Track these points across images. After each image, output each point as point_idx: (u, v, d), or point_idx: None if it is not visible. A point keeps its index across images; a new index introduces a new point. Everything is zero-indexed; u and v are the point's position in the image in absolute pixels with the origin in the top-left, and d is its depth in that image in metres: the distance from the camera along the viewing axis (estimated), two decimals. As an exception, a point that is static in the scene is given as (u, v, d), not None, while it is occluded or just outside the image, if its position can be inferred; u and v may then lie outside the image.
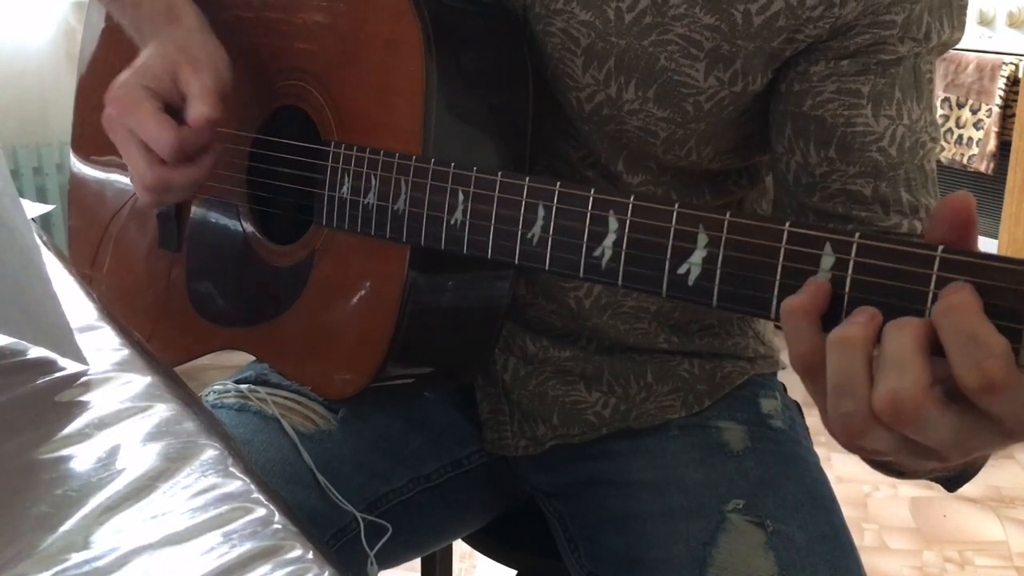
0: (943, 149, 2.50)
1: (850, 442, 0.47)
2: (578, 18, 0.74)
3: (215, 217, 0.90)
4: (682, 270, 0.53)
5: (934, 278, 0.45)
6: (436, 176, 0.67)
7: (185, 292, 0.93)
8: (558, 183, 0.60)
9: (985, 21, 2.41)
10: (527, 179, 0.61)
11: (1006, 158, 2.37)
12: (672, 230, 0.54)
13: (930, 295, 0.45)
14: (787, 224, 0.49)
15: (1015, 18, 2.37)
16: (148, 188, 0.77)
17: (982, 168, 2.41)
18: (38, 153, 2.49)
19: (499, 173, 0.63)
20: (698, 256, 0.53)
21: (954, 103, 2.47)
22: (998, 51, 2.40)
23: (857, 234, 0.47)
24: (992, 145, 2.39)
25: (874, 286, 0.46)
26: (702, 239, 0.52)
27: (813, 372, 0.48)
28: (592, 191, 0.58)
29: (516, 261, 0.62)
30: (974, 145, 2.44)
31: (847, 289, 0.47)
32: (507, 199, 0.63)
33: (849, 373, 0.45)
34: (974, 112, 2.43)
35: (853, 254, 0.47)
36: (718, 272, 0.52)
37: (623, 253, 0.56)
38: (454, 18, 0.75)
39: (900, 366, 0.44)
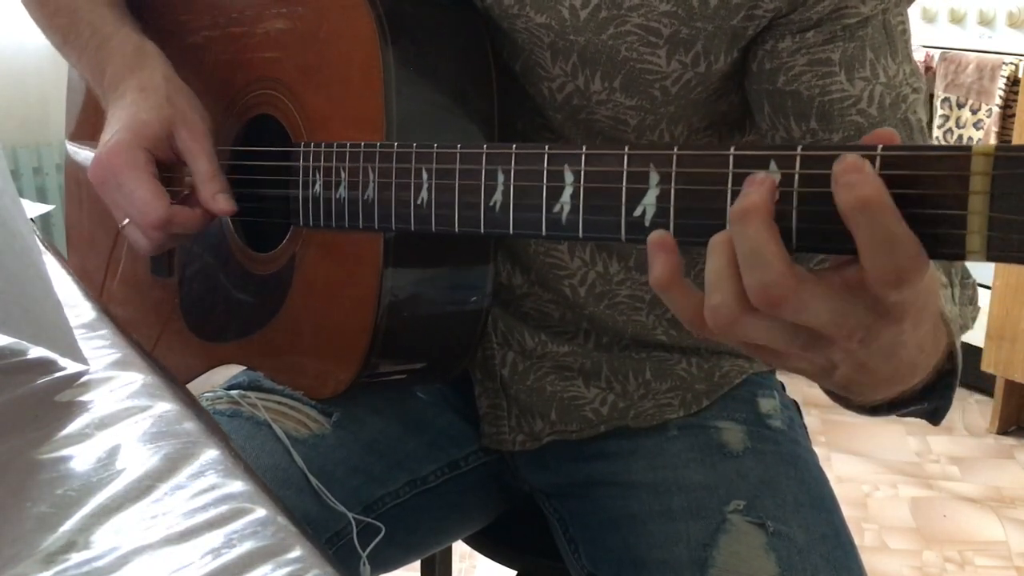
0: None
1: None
2: (535, 21, 0.75)
3: (202, 236, 0.89)
4: (638, 212, 0.54)
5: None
6: (400, 158, 0.68)
7: (180, 314, 0.93)
8: (514, 145, 0.60)
9: (985, 21, 2.41)
10: (485, 146, 0.62)
11: (1006, 158, 2.36)
12: (624, 173, 0.54)
13: None
14: (732, 148, 0.49)
15: (1015, 18, 2.37)
16: (152, 243, 0.79)
17: (982, 168, 2.41)
18: (38, 153, 2.49)
19: (459, 145, 0.64)
20: (651, 196, 0.53)
21: (954, 103, 2.47)
22: (998, 51, 2.39)
23: (800, 147, 0.47)
24: (992, 145, 2.39)
25: (820, 196, 0.46)
26: (653, 177, 0.53)
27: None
28: (547, 147, 0.58)
29: (482, 230, 0.63)
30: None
31: (795, 203, 0.47)
32: (468, 169, 0.63)
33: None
34: (974, 112, 2.43)
35: (797, 167, 0.47)
36: (672, 208, 0.52)
37: (580, 204, 0.56)
38: (409, 9, 0.76)
39: (760, 259, 0.44)
